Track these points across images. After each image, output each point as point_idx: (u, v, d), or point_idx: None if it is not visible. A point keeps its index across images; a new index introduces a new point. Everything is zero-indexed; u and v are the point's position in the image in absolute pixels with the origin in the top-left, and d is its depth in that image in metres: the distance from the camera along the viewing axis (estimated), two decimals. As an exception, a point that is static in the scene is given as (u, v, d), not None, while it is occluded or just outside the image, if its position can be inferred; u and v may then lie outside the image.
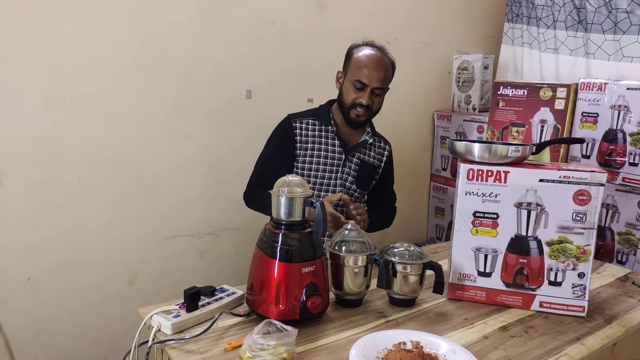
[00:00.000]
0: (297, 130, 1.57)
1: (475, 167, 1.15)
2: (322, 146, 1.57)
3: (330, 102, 1.64)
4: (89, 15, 1.52)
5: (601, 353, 1.02)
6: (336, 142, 1.58)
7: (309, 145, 1.56)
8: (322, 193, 1.58)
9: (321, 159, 1.57)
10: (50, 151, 1.52)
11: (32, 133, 1.49)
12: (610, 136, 1.79)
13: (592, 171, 1.09)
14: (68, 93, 1.52)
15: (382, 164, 1.68)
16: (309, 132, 1.57)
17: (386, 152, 1.70)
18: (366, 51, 1.52)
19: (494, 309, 1.17)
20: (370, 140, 1.63)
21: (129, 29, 1.59)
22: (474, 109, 2.30)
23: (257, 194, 1.55)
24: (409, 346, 0.95)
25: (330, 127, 1.58)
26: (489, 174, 1.14)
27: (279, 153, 1.58)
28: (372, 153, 1.65)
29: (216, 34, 1.75)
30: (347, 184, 1.60)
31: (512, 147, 1.13)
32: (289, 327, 0.94)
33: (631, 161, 1.74)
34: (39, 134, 1.50)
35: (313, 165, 1.57)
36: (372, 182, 1.67)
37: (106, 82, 1.58)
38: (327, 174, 1.56)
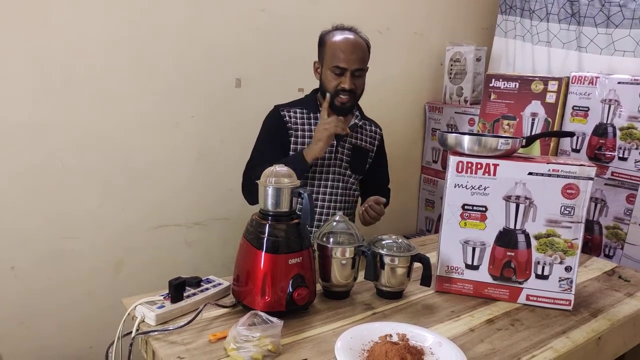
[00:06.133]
0: (287, 119, 1.56)
1: (465, 159, 1.14)
2: (313, 133, 1.55)
3: (316, 91, 1.63)
4: (75, 3, 1.48)
5: (586, 346, 1.03)
6: None
7: (299, 133, 1.55)
8: (316, 182, 1.57)
9: None
10: (36, 137, 1.49)
11: (17, 118, 1.46)
12: (601, 130, 1.79)
13: (581, 165, 1.09)
14: (55, 78, 1.49)
15: (375, 147, 1.68)
16: (298, 121, 1.56)
17: (378, 136, 1.69)
18: (338, 36, 1.51)
19: (481, 302, 1.17)
20: (360, 123, 1.62)
21: (117, 15, 1.56)
22: (465, 101, 2.30)
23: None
24: (395, 338, 0.95)
25: (318, 115, 1.57)
26: (479, 166, 1.14)
27: (274, 143, 1.56)
28: (363, 137, 1.64)
29: (205, 21, 1.72)
30: (341, 169, 1.59)
31: (501, 140, 1.13)
32: (274, 319, 0.93)
33: (620, 155, 1.75)
34: (25, 119, 1.47)
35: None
36: (366, 166, 1.66)
37: (94, 68, 1.55)
38: (319, 160, 1.55)
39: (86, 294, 1.65)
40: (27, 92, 1.46)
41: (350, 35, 1.52)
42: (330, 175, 1.58)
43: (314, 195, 1.57)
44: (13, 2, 1.40)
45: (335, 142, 1.56)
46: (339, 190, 1.59)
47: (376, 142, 1.68)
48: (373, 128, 1.68)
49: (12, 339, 1.54)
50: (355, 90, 1.52)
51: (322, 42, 1.55)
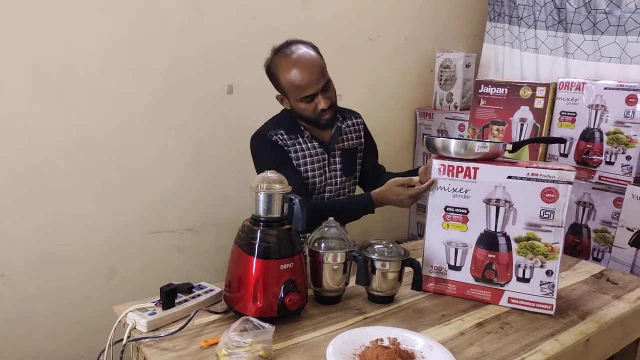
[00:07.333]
0: (280, 143, 1.47)
1: (446, 162, 1.17)
2: (305, 152, 1.50)
3: (288, 110, 1.51)
4: (71, 8, 1.49)
5: (575, 349, 1.04)
6: (315, 144, 1.51)
7: (292, 155, 1.48)
8: (313, 197, 1.53)
9: (308, 166, 1.50)
10: (29, 141, 1.49)
11: (10, 122, 1.46)
12: (588, 135, 1.82)
13: (560, 169, 1.10)
14: (49, 82, 1.50)
15: (362, 139, 1.62)
16: (289, 143, 1.48)
17: (361, 126, 1.62)
18: (286, 63, 1.39)
19: (471, 306, 1.18)
20: (343, 126, 1.56)
21: (111, 22, 1.56)
22: (455, 107, 2.32)
23: (317, 209, 1.38)
24: (386, 343, 0.96)
25: (304, 134, 1.50)
26: (459, 169, 1.16)
27: (291, 164, 1.47)
28: (348, 136, 1.58)
29: (198, 27, 1.73)
30: (337, 179, 1.56)
31: (479, 144, 1.14)
32: (266, 324, 0.93)
33: (607, 160, 1.77)
34: (18, 123, 1.47)
35: (302, 175, 1.50)
36: (357, 164, 1.61)
37: (88, 73, 1.55)
38: (317, 178, 1.52)
39: (78, 300, 1.64)
40: (20, 96, 1.46)
41: (296, 56, 1.39)
42: (326, 187, 1.54)
43: None
44: (9, 5, 1.40)
45: (326, 155, 1.52)
46: (334, 195, 1.57)
47: (362, 132, 1.62)
48: (354, 120, 1.61)
49: (3, 346, 1.53)
50: (333, 103, 1.44)
51: (273, 76, 1.44)
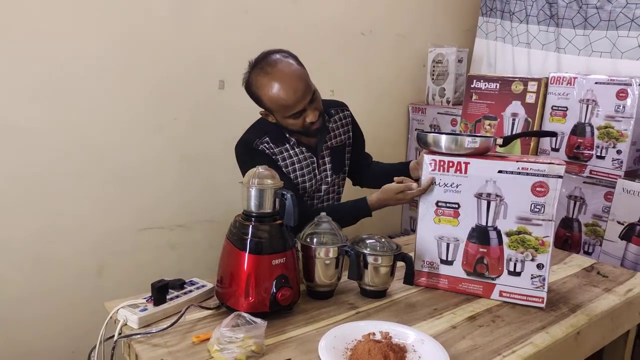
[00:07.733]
0: (268, 152, 1.42)
1: (437, 157, 1.17)
2: (293, 158, 1.45)
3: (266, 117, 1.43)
4: (68, 9, 1.48)
5: (565, 341, 1.05)
6: (302, 148, 1.46)
7: (280, 163, 1.44)
8: (305, 197, 1.51)
9: (297, 172, 1.46)
10: (19, 141, 1.48)
11: (2, 123, 1.45)
12: (579, 130, 1.82)
13: (550, 163, 1.10)
14: (40, 84, 1.48)
15: (350, 132, 1.57)
16: (275, 150, 1.42)
17: (348, 119, 1.56)
18: (264, 80, 1.30)
19: (463, 299, 1.18)
20: (330, 124, 1.51)
21: (103, 20, 1.55)
22: (447, 102, 2.32)
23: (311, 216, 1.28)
24: (378, 337, 0.96)
25: (290, 140, 1.44)
26: (450, 164, 1.16)
27: (279, 170, 1.41)
28: (336, 132, 1.53)
29: (188, 22, 1.72)
30: (328, 179, 1.53)
31: (469, 139, 1.15)
32: (258, 320, 0.93)
33: (598, 154, 1.78)
34: (10, 124, 1.46)
35: (292, 180, 1.46)
36: (345, 159, 1.57)
37: (80, 73, 1.54)
38: (307, 182, 1.49)
39: (69, 298, 1.63)
40: (13, 97, 1.45)
41: (277, 71, 1.30)
42: (320, 187, 1.52)
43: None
44: (9, 6, 1.39)
45: (315, 159, 1.48)
46: (323, 194, 1.56)
47: (349, 126, 1.56)
48: (340, 115, 1.54)
49: (-7, 345, 1.52)
50: (321, 111, 1.38)
51: (254, 95, 1.36)
